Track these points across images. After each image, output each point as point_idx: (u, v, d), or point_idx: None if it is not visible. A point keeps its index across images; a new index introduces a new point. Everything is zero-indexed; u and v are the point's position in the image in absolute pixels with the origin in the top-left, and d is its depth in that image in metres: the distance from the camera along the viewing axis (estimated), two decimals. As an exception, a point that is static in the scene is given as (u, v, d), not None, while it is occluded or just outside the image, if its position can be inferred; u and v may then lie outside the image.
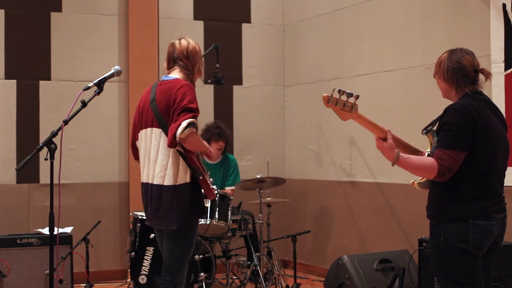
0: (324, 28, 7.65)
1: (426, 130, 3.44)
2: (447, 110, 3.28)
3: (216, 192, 4.30)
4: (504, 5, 5.54)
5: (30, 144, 7.02)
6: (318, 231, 7.63)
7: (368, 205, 6.99)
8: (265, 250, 6.43)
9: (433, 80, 6.29)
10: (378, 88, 6.83)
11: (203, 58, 4.39)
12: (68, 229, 6.14)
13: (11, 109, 7.25)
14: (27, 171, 6.91)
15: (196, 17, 7.92)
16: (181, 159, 4.08)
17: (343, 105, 3.18)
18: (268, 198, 6.44)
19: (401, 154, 3.27)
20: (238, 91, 8.06)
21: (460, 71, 3.34)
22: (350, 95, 3.18)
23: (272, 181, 6.43)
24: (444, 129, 3.24)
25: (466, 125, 3.21)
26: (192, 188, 4.10)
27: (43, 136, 7.06)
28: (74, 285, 6.09)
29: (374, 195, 6.89)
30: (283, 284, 6.42)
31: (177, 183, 4.07)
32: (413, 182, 3.50)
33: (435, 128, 3.36)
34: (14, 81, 7.26)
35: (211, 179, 4.28)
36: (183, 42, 4.30)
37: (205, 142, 4.30)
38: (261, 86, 8.18)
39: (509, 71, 5.51)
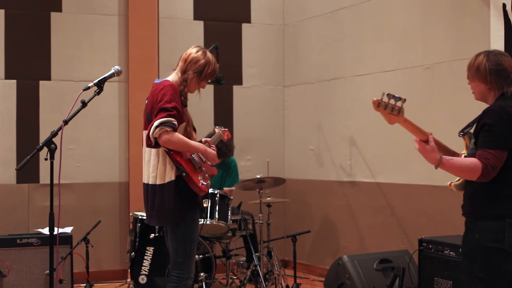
0: (324, 28, 7.65)
1: (463, 133, 3.46)
2: (486, 112, 3.33)
3: (204, 186, 4.25)
4: (504, 5, 5.54)
5: (30, 144, 7.02)
6: (318, 231, 7.63)
7: (368, 205, 6.99)
8: (265, 250, 6.44)
9: (433, 80, 6.33)
10: (378, 88, 6.82)
11: (203, 74, 4.30)
12: (68, 229, 6.15)
13: (11, 109, 7.25)
14: (27, 171, 6.92)
15: (196, 17, 7.92)
16: (167, 157, 4.16)
17: (392, 109, 3.22)
18: (268, 198, 6.44)
19: (444, 156, 3.29)
20: (238, 91, 8.06)
21: (502, 73, 3.39)
22: (398, 99, 3.21)
23: (272, 181, 6.43)
24: (486, 130, 3.28)
25: (506, 125, 3.27)
26: (179, 185, 4.16)
27: (43, 136, 7.06)
28: (74, 285, 6.10)
29: (374, 195, 6.89)
30: (283, 284, 6.42)
31: (165, 182, 4.16)
32: (450, 184, 3.52)
33: (472, 130, 3.39)
34: (14, 81, 7.26)
35: (205, 175, 4.29)
36: (194, 49, 4.35)
37: (192, 142, 4.23)
38: (261, 86, 8.18)
39: (509, 71, 5.50)
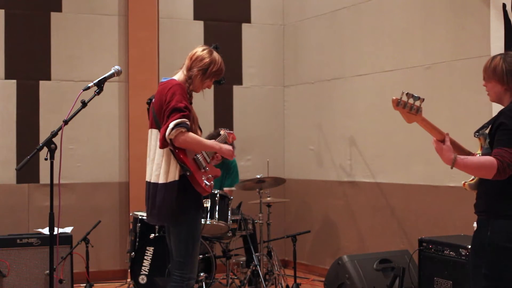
0: (324, 28, 7.65)
1: (478, 133, 3.50)
2: (502, 113, 3.37)
3: (208, 187, 4.24)
4: (504, 5, 5.54)
5: (30, 144, 7.02)
6: (318, 231, 7.63)
7: (368, 205, 6.99)
8: (265, 250, 6.44)
9: (433, 80, 6.32)
10: (378, 88, 6.83)
11: (208, 72, 4.28)
12: (68, 229, 6.15)
13: (11, 109, 7.25)
14: (27, 171, 6.91)
15: (196, 17, 7.92)
16: (172, 157, 4.16)
17: (410, 108, 3.27)
18: (268, 198, 6.44)
19: (458, 155, 3.33)
20: (238, 91, 8.06)
21: None
22: (416, 98, 3.26)
23: (272, 181, 6.43)
24: (502, 129, 3.31)
25: None
26: (182, 185, 4.15)
27: (43, 136, 7.07)
28: (74, 285, 6.09)
29: (374, 195, 6.89)
30: (283, 284, 6.42)
31: (168, 181, 4.16)
32: (464, 183, 3.55)
33: (487, 131, 3.42)
34: (14, 81, 7.26)
35: (209, 176, 4.29)
36: (201, 48, 4.36)
37: (206, 141, 4.27)
38: (261, 86, 8.18)
39: (509, 71, 5.50)
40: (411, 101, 3.25)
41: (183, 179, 4.15)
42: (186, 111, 4.09)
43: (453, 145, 3.42)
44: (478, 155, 3.51)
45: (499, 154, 3.25)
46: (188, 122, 4.08)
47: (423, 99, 3.26)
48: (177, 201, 4.13)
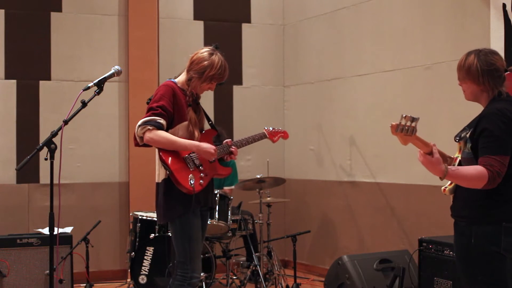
0: (324, 28, 7.65)
1: (459, 137, 3.39)
2: (484, 116, 3.27)
3: (192, 186, 4.17)
4: (504, 5, 5.54)
5: (30, 144, 7.02)
6: (318, 231, 7.63)
7: (368, 205, 6.99)
8: (265, 250, 6.44)
9: (433, 80, 6.32)
10: (378, 88, 6.83)
11: (204, 76, 4.23)
12: (68, 229, 6.15)
13: (11, 109, 7.25)
14: (27, 171, 6.92)
15: (196, 17, 7.92)
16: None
17: (407, 130, 3.17)
18: (268, 198, 6.45)
19: (449, 167, 3.24)
20: (238, 91, 8.06)
21: (495, 73, 3.32)
22: (413, 119, 3.16)
23: (272, 181, 6.43)
24: (486, 135, 3.21)
25: (506, 129, 3.21)
26: (169, 184, 4.16)
27: (43, 136, 7.06)
28: (74, 285, 6.10)
29: (374, 195, 6.89)
30: (283, 284, 6.42)
31: (159, 180, 4.21)
32: (444, 189, 3.47)
33: (468, 134, 3.32)
34: (14, 81, 7.26)
35: (202, 175, 4.24)
36: (203, 49, 4.32)
37: (181, 140, 4.15)
38: (261, 86, 8.18)
39: (509, 71, 5.50)
40: (408, 123, 3.14)
41: (170, 179, 4.16)
42: (158, 110, 4.10)
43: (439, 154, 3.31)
44: (458, 158, 3.41)
45: (488, 163, 3.15)
46: (159, 120, 4.08)
47: (418, 118, 3.15)
48: (165, 200, 4.16)
